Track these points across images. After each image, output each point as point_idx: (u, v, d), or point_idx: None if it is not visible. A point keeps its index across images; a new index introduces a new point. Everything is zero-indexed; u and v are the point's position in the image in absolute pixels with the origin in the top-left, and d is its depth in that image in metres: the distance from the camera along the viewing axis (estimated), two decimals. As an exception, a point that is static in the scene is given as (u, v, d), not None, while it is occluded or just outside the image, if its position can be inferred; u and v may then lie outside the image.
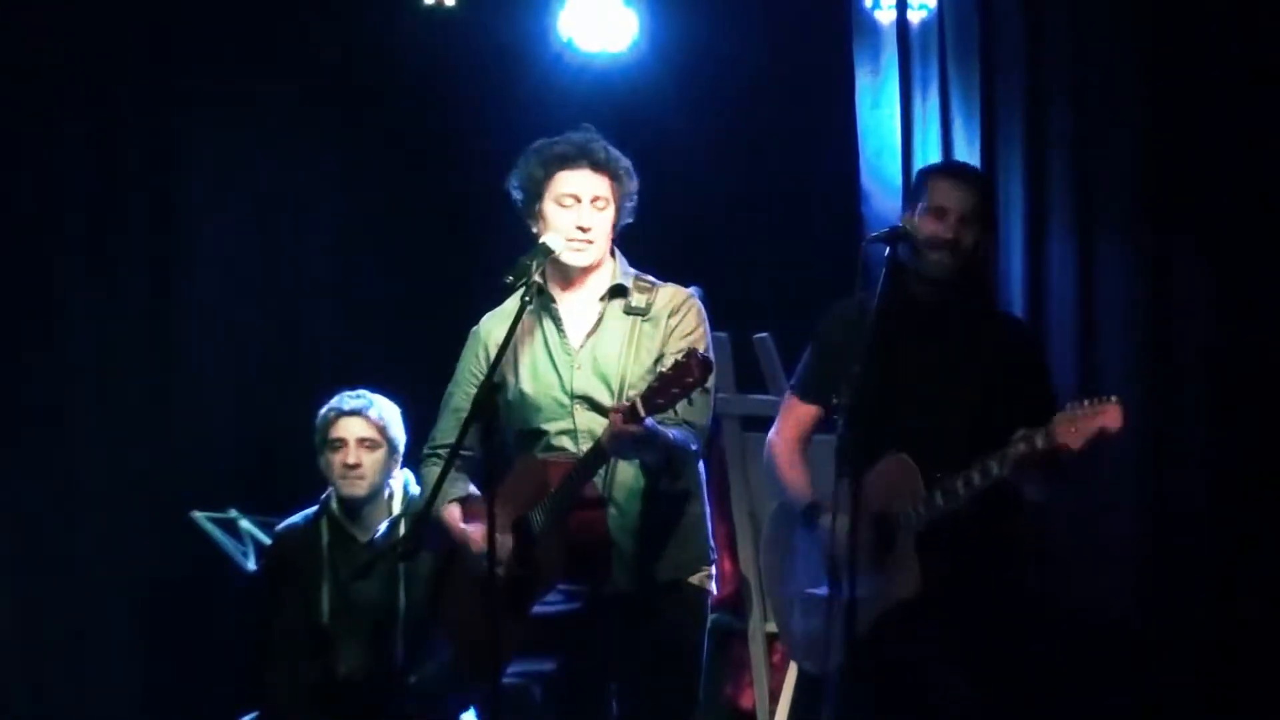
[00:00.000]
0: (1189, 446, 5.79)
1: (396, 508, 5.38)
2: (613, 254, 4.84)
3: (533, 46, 6.36)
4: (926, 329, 4.82)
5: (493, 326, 4.83)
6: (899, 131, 6.19)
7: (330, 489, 5.38)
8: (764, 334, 5.80)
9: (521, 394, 4.74)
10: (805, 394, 4.87)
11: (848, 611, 4.42)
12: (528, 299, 4.61)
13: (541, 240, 4.65)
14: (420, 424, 5.15)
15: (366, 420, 5.32)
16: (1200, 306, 5.77)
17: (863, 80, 6.27)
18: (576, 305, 4.80)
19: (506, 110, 6.26)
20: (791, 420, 4.88)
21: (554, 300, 4.78)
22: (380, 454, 5.34)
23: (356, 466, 5.29)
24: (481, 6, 6.39)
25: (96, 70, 6.25)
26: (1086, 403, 4.48)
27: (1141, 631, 5.88)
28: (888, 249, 4.64)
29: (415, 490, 5.35)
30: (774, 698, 5.98)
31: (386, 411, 5.39)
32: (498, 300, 4.81)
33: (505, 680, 4.89)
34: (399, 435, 5.39)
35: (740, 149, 6.42)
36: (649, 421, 4.40)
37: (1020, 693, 4.92)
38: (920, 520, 4.61)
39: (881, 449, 4.69)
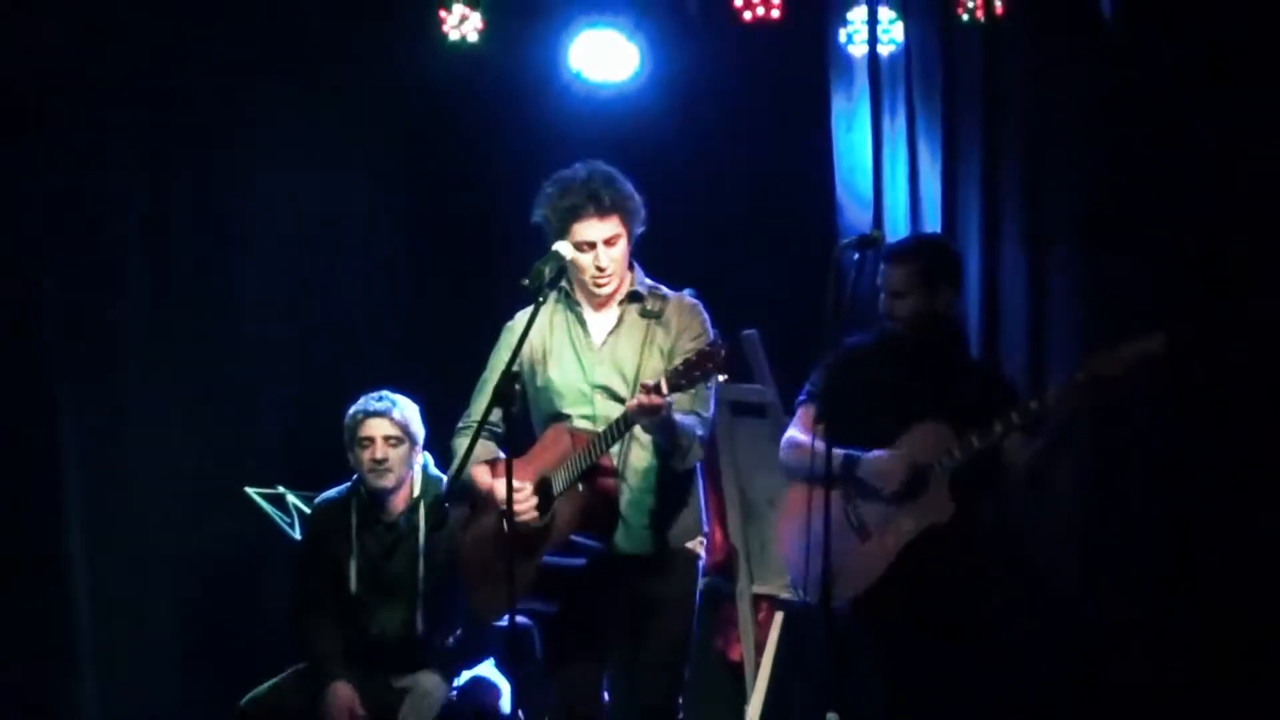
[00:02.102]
0: (1131, 435, 5.93)
1: (417, 489, 5.61)
2: (631, 266, 5.05)
3: (546, 77, 6.55)
4: (898, 362, 5.13)
5: (523, 323, 4.97)
6: (870, 151, 6.39)
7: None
8: (751, 330, 5.93)
9: (549, 382, 4.99)
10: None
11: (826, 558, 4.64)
12: (542, 300, 4.81)
13: (553, 249, 4.88)
14: (437, 415, 5.46)
15: (391, 420, 5.55)
16: (1139, 306, 5.90)
17: (838, 106, 6.48)
18: (599, 309, 5.05)
19: (522, 132, 6.50)
20: (809, 422, 5.11)
21: (579, 304, 5.02)
22: (404, 449, 5.56)
23: (384, 461, 5.52)
24: (501, 43, 6.53)
25: (157, 96, 6.39)
26: (1125, 340, 4.72)
27: (1090, 613, 6.02)
28: (857, 254, 4.83)
29: (434, 471, 5.61)
30: (759, 650, 6.17)
31: (408, 411, 5.60)
32: (512, 304, 5.01)
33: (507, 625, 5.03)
34: (419, 430, 5.60)
35: (729, 167, 6.62)
36: (669, 400, 4.62)
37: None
38: (954, 463, 4.93)
39: (862, 441, 5.01)
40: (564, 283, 5.01)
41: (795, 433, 5.20)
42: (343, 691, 5.47)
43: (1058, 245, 6.15)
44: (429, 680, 5.57)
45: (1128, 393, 5.11)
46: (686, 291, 5.12)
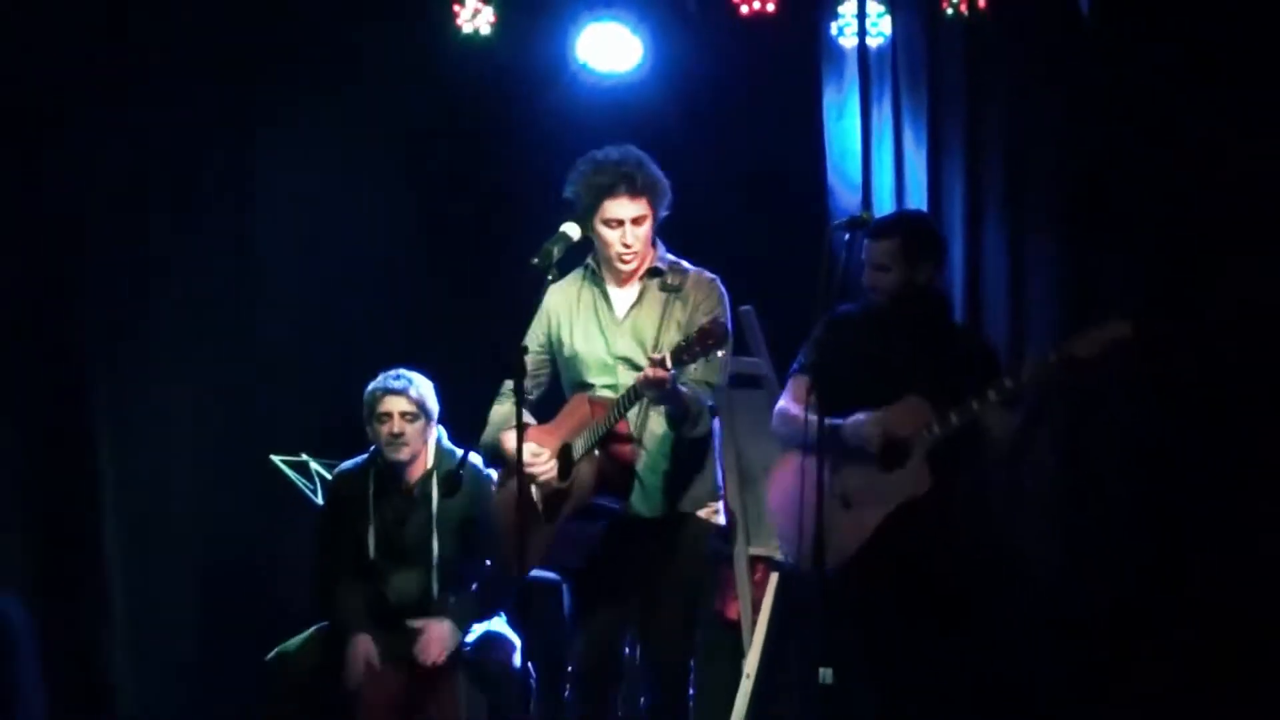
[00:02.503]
0: (1102, 405, 6.01)
1: (430, 461, 5.75)
2: (653, 243, 5.17)
3: (554, 67, 6.65)
4: (885, 332, 5.21)
5: (555, 299, 5.21)
6: (859, 138, 6.47)
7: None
8: (747, 306, 6.00)
9: (576, 354, 5.14)
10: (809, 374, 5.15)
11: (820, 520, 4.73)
12: (551, 279, 4.92)
13: (561, 229, 4.94)
14: (450, 392, 5.72)
15: (408, 398, 5.68)
16: (1111, 286, 6.03)
17: (829, 96, 6.60)
18: (622, 284, 5.18)
19: (532, 119, 6.63)
20: (800, 393, 5.17)
21: (603, 280, 5.16)
22: (419, 424, 5.69)
23: (400, 435, 5.66)
24: (512, 35, 6.67)
25: (193, 87, 6.52)
26: (1095, 325, 4.84)
27: (1069, 593, 6.08)
28: (847, 234, 5.02)
29: (447, 444, 5.75)
30: (755, 609, 6.27)
31: (423, 389, 5.72)
32: (524, 281, 4.99)
33: (539, 577, 5.34)
34: (433, 407, 5.72)
35: (727, 152, 6.69)
36: (673, 373, 4.75)
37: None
38: (934, 438, 5.00)
39: (852, 405, 5.07)
40: (590, 260, 5.14)
41: (786, 403, 5.28)
42: (362, 643, 5.61)
43: (1037, 232, 6.24)
44: (440, 624, 5.67)
45: (1099, 375, 5.16)
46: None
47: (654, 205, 5.12)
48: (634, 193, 5.07)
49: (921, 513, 5.06)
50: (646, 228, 5.12)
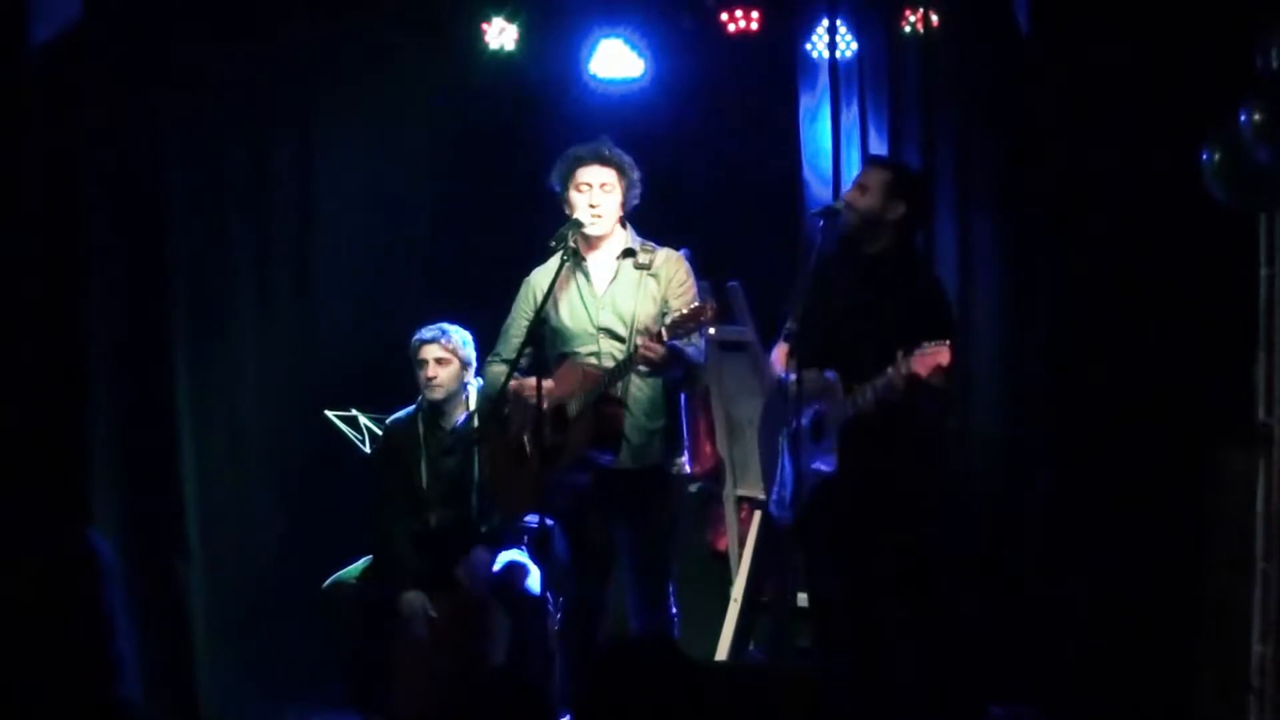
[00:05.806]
0: (1037, 367, 6.28)
1: (472, 404, 6.10)
2: (624, 225, 5.48)
3: (569, 77, 6.99)
4: (859, 278, 5.40)
5: (539, 277, 5.56)
6: (830, 139, 6.72)
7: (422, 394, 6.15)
8: (734, 282, 6.39)
9: (561, 325, 5.50)
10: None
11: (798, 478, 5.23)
12: (566, 258, 5.39)
13: (574, 217, 5.45)
14: (487, 343, 5.92)
15: (440, 345, 6.08)
16: (1046, 266, 6.24)
17: (804, 102, 6.83)
18: (600, 263, 5.51)
19: (551, 122, 6.91)
20: (780, 357, 5.41)
21: (584, 260, 5.49)
22: (453, 368, 6.06)
23: (434, 378, 6.06)
24: (533, 50, 6.99)
25: (263, 94, 6.70)
26: (930, 344, 4.96)
27: (997, 501, 6.37)
28: (821, 221, 5.45)
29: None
30: (742, 542, 6.69)
31: (456, 338, 6.08)
32: (542, 258, 5.58)
33: (537, 524, 5.62)
34: (469, 355, 6.08)
35: (717, 150, 7.05)
36: (674, 343, 5.15)
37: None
38: (840, 417, 5.24)
39: (823, 362, 5.31)
40: (571, 242, 5.44)
41: (774, 364, 5.49)
42: (415, 599, 6.00)
43: (982, 220, 6.49)
44: (477, 552, 6.05)
45: (930, 390, 5.17)
46: (682, 251, 5.56)
47: (621, 180, 5.44)
48: (603, 163, 5.42)
49: (836, 490, 5.31)
50: (614, 197, 5.43)
